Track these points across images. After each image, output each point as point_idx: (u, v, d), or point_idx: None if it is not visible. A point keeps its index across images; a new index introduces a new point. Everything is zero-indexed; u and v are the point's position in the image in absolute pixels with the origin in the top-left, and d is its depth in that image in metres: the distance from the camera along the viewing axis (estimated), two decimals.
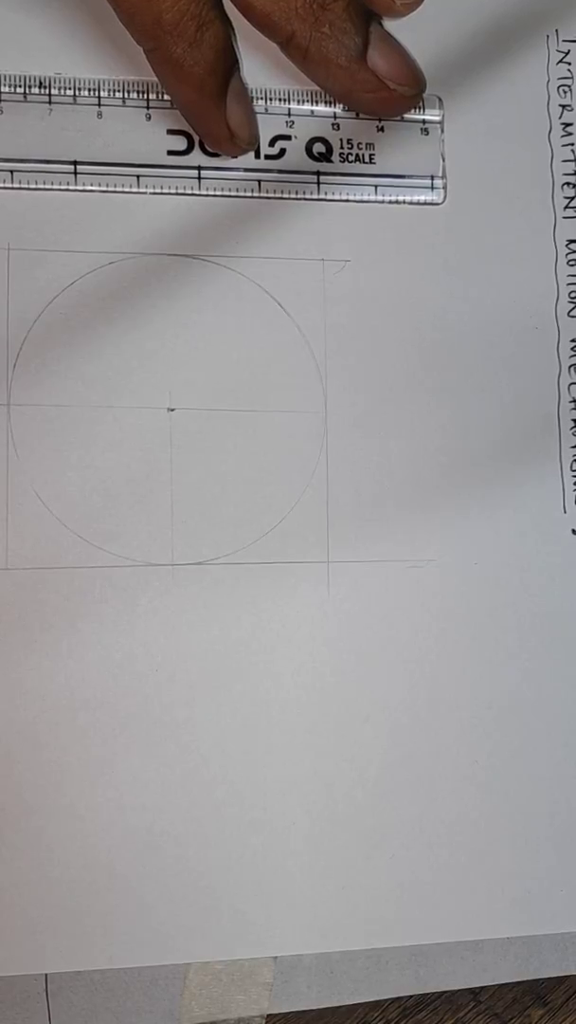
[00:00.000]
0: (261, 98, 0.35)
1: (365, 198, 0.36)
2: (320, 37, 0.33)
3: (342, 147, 0.36)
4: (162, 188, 0.35)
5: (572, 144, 0.37)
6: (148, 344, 0.35)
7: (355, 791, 0.34)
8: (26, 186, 0.34)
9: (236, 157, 0.35)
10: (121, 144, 0.35)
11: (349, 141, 0.36)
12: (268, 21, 0.33)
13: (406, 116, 0.36)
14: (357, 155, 0.36)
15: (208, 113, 0.33)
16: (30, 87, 0.34)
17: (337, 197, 0.36)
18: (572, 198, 0.37)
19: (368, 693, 0.35)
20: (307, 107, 0.35)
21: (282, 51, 0.33)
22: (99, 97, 0.35)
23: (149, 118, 0.35)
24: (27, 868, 0.33)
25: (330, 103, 0.36)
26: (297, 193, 0.36)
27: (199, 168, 0.35)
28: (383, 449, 0.36)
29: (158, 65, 0.33)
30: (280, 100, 0.35)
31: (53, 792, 0.33)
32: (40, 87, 0.34)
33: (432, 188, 0.36)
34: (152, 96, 0.35)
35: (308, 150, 0.36)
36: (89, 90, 0.34)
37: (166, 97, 0.34)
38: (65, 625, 0.33)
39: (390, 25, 0.34)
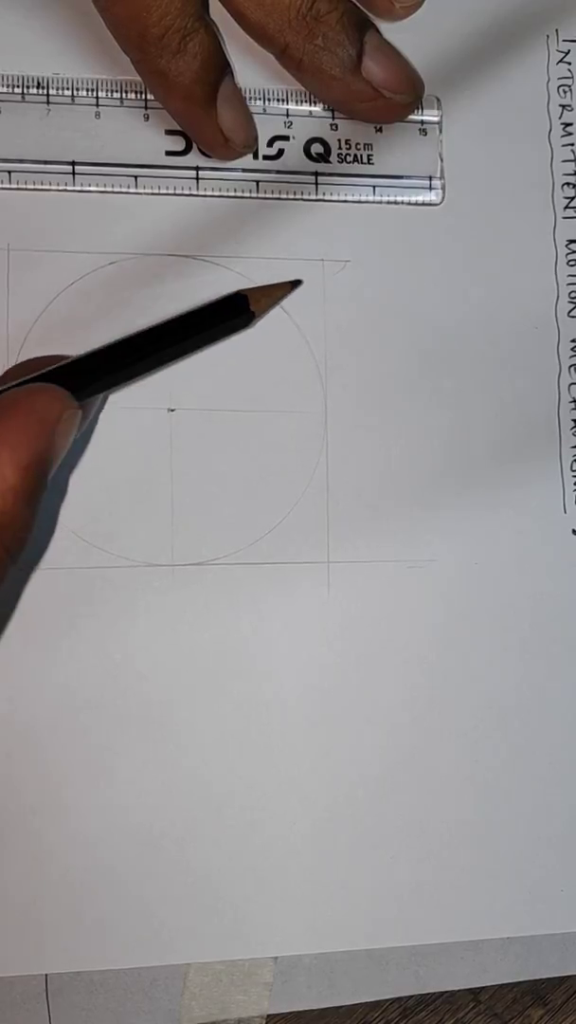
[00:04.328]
0: (259, 99, 0.35)
1: (363, 199, 0.36)
2: (314, 49, 0.33)
3: (340, 148, 0.36)
4: (160, 189, 0.35)
5: (572, 144, 0.37)
6: None
7: (355, 791, 0.34)
8: (24, 187, 0.34)
9: (233, 160, 0.35)
10: (119, 144, 0.35)
11: (347, 142, 0.36)
12: (262, 32, 0.33)
13: None
14: (355, 155, 0.36)
15: (199, 120, 0.33)
16: (28, 87, 0.34)
17: (335, 198, 0.36)
18: (572, 198, 0.37)
19: (368, 693, 0.35)
20: (305, 107, 0.35)
21: (277, 60, 0.33)
22: (97, 97, 0.35)
23: (147, 118, 0.35)
24: (27, 868, 0.33)
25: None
26: (295, 194, 0.35)
27: (197, 169, 0.35)
28: (383, 449, 0.35)
29: (145, 76, 0.33)
30: (278, 101, 0.35)
31: (53, 792, 0.33)
32: (38, 87, 0.34)
33: (430, 188, 0.36)
34: (150, 97, 0.35)
35: (306, 150, 0.36)
36: (87, 90, 0.34)
37: None
38: (65, 625, 0.33)
39: (389, 27, 0.34)
